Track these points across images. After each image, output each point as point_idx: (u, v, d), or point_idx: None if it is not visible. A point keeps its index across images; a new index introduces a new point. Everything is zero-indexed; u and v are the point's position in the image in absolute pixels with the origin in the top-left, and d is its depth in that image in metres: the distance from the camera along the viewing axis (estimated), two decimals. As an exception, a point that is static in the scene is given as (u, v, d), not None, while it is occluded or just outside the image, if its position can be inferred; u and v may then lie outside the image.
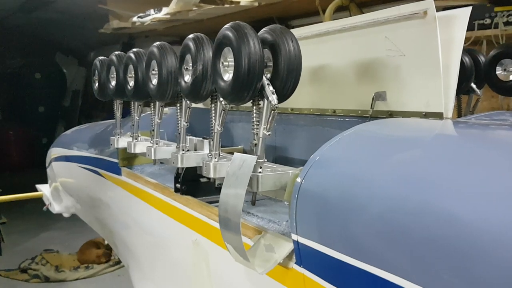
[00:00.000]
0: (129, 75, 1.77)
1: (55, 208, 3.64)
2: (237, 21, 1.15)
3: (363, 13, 2.50)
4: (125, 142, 2.04)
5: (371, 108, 1.45)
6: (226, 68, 1.18)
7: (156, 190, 1.92)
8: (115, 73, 1.90)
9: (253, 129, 1.20)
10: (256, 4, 3.99)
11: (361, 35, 1.49)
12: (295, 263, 1.10)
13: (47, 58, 9.85)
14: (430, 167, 0.94)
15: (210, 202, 1.57)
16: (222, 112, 1.34)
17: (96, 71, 2.06)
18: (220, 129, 1.35)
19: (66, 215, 3.66)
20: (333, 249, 0.98)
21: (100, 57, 2.06)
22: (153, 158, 1.74)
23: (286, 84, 1.13)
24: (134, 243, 2.34)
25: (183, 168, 1.64)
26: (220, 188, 1.63)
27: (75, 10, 6.92)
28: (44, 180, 3.90)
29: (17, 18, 7.78)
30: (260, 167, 1.18)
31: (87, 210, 3.23)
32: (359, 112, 1.54)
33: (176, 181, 1.70)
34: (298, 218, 1.08)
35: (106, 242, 4.33)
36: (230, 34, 1.13)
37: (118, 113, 2.12)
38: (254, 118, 1.19)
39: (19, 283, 4.63)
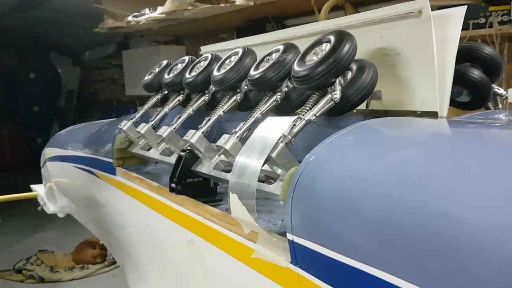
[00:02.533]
0: (197, 67, 1.85)
1: (50, 208, 3.62)
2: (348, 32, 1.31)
3: (358, 12, 2.50)
4: (131, 125, 2.08)
5: (366, 107, 1.45)
6: (313, 56, 1.30)
7: (151, 190, 1.91)
8: (180, 67, 1.98)
9: (300, 112, 1.28)
10: (252, 3, 3.99)
11: (356, 34, 1.49)
12: (290, 262, 1.10)
13: (42, 57, 9.80)
14: (425, 166, 0.94)
15: (206, 202, 1.57)
16: (274, 103, 1.45)
17: (161, 66, 2.16)
18: (260, 116, 1.44)
19: (61, 215, 3.64)
20: (329, 248, 0.98)
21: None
22: (164, 135, 1.77)
23: (351, 96, 1.26)
24: (129, 243, 2.34)
25: (179, 164, 1.63)
26: (216, 188, 1.63)
27: (70, 10, 6.89)
28: (39, 180, 3.88)
29: (12, 17, 7.74)
30: (286, 143, 1.21)
31: (82, 210, 3.21)
32: (354, 111, 1.54)
33: (171, 181, 1.69)
34: (293, 218, 1.08)
35: (101, 242, 4.32)
36: (336, 35, 1.29)
37: (148, 105, 2.16)
38: (309, 105, 1.28)
39: (13, 284, 4.61)
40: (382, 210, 0.89)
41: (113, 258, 4.31)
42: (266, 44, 1.87)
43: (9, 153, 9.40)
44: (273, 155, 1.18)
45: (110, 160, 2.31)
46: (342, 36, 1.28)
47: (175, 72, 2.00)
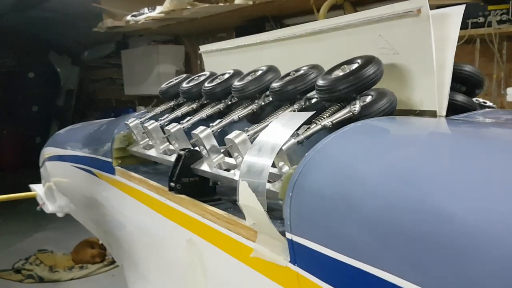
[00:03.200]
0: (219, 78, 1.86)
1: (49, 208, 3.62)
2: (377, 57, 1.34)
3: (357, 11, 2.50)
4: (138, 122, 2.08)
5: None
6: (340, 72, 1.32)
7: (150, 189, 1.91)
8: (201, 79, 1.99)
9: (317, 118, 1.29)
10: (251, 2, 3.99)
11: (355, 33, 1.49)
12: (290, 261, 1.10)
13: (41, 57, 9.78)
14: (424, 165, 0.94)
15: (205, 201, 1.57)
16: (291, 110, 1.48)
17: (182, 77, 2.18)
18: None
19: (60, 215, 3.64)
20: (328, 247, 0.98)
21: None
22: (172, 131, 1.78)
23: (369, 115, 1.27)
24: (128, 242, 2.34)
25: (178, 163, 1.63)
26: (215, 187, 1.63)
27: (68, 9, 6.89)
28: (38, 180, 3.88)
29: (10, 17, 7.74)
30: (298, 142, 1.22)
31: (81, 210, 3.21)
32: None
33: (170, 180, 1.70)
34: (292, 217, 1.08)
35: (100, 242, 4.32)
36: (365, 58, 1.32)
37: (159, 109, 2.17)
38: (327, 114, 1.29)
39: (13, 284, 4.61)
40: (381, 209, 0.90)
41: (112, 258, 4.31)
42: (265, 44, 1.88)
43: (8, 153, 9.39)
44: (284, 148, 1.19)
45: (109, 160, 2.31)
46: (371, 59, 1.31)
47: (195, 82, 2.01)
